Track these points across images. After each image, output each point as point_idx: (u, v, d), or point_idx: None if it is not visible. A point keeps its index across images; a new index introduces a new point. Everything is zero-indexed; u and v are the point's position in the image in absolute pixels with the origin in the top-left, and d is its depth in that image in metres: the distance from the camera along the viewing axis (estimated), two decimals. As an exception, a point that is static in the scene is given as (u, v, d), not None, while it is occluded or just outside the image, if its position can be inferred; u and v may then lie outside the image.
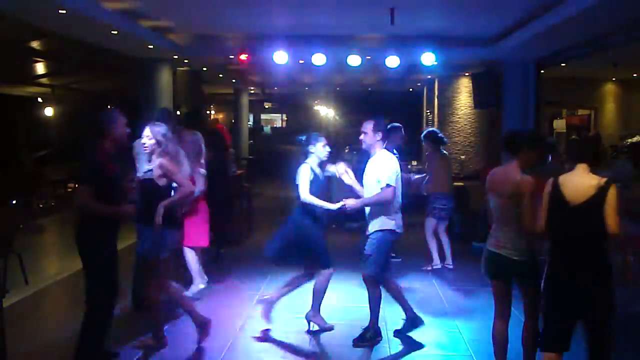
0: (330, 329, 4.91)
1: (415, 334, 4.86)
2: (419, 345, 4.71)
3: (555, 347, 3.35)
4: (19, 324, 4.77)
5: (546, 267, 3.44)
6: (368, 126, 4.68)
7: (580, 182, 3.28)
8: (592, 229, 3.21)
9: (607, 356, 3.33)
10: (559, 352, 3.34)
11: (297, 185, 4.77)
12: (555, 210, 3.34)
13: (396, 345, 4.70)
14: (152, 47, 8.67)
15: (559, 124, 15.10)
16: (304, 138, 4.99)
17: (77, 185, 8.11)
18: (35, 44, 9.70)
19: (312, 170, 4.80)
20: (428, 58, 8.58)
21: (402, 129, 6.55)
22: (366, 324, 4.78)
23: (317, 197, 4.73)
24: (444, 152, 7.21)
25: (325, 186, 4.99)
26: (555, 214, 3.34)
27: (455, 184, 9.70)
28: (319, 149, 4.85)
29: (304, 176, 4.76)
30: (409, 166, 11.19)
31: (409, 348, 4.66)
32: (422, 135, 7.15)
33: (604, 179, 3.24)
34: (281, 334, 4.91)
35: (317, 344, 4.76)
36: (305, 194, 4.72)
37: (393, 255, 6.78)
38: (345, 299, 5.83)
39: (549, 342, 3.38)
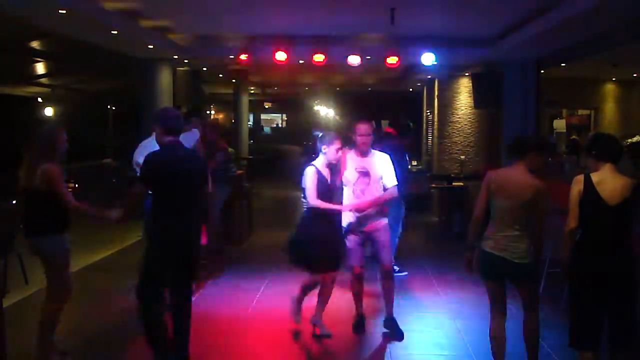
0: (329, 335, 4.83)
1: (414, 335, 4.88)
2: (419, 346, 4.72)
3: (591, 345, 3.40)
4: (19, 324, 4.77)
5: (562, 265, 3.53)
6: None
7: (615, 181, 3.37)
8: (626, 228, 3.35)
9: (627, 350, 3.42)
10: (595, 350, 3.40)
11: (303, 189, 4.60)
12: (592, 209, 3.39)
13: (396, 346, 4.69)
14: (152, 47, 8.66)
15: (559, 124, 15.09)
16: (319, 135, 4.67)
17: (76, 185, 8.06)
18: (35, 44, 9.70)
19: (319, 172, 4.57)
20: (428, 58, 8.57)
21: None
22: (367, 324, 4.79)
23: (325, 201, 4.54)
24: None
25: (331, 190, 4.66)
26: (592, 213, 3.39)
27: (455, 183, 9.75)
28: (331, 152, 4.57)
29: (311, 179, 4.51)
30: (409, 166, 11.18)
31: (409, 348, 4.67)
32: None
33: (634, 179, 3.37)
34: (281, 334, 4.90)
35: (316, 344, 4.76)
36: (312, 199, 4.50)
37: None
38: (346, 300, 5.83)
39: (584, 341, 3.43)
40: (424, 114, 13.97)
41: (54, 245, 4.03)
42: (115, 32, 7.44)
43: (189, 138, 5.42)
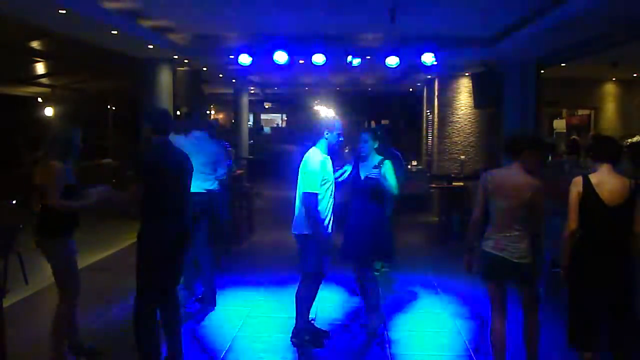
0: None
1: (414, 335, 4.87)
2: (419, 346, 4.72)
3: (591, 345, 3.43)
4: (19, 324, 4.77)
5: (563, 268, 3.55)
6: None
7: (613, 183, 3.39)
8: (624, 229, 3.37)
9: (627, 350, 3.43)
10: (594, 350, 3.43)
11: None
12: (591, 210, 3.40)
13: (396, 346, 4.69)
14: (152, 47, 8.66)
15: (559, 124, 15.09)
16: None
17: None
18: (35, 44, 9.69)
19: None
20: (428, 58, 8.56)
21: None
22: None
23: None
24: None
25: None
26: (592, 214, 3.41)
27: (455, 184, 9.74)
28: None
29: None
30: (409, 166, 11.19)
31: (409, 348, 4.67)
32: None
33: (632, 180, 3.39)
34: (281, 334, 4.90)
35: (316, 345, 4.75)
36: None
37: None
38: (345, 299, 5.83)
39: (584, 341, 3.45)
40: (424, 114, 13.97)
41: (57, 247, 4.06)
42: (115, 32, 7.44)
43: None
